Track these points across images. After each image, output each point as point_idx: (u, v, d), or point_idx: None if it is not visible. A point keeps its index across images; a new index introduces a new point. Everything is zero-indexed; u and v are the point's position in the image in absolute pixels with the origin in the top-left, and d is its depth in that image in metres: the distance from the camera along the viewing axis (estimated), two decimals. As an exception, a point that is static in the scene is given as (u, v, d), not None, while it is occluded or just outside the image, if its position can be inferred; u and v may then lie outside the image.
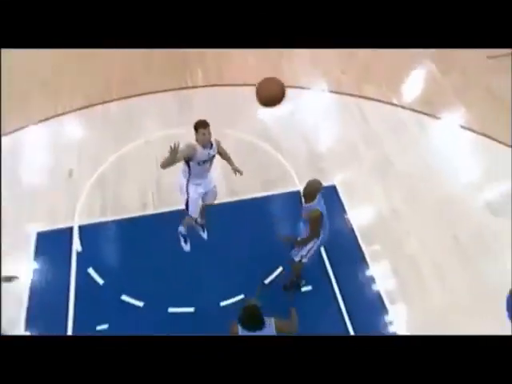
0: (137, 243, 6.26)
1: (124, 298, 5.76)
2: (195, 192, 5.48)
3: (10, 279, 5.01)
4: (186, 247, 5.98)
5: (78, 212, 6.63)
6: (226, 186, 6.78)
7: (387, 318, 5.65)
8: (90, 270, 5.98)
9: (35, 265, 6.13)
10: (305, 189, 5.00)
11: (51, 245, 6.32)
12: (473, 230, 6.41)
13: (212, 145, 5.26)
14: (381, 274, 6.02)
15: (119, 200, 6.83)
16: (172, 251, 5.50)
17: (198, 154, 5.13)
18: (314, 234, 5.08)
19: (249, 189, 6.87)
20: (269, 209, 6.72)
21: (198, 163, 5.20)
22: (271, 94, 4.69)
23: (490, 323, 5.38)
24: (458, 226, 6.43)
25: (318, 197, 4.95)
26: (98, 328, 5.51)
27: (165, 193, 6.75)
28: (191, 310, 5.68)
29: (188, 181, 5.39)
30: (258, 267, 6.04)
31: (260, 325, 4.11)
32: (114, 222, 6.56)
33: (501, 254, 6.09)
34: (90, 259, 6.12)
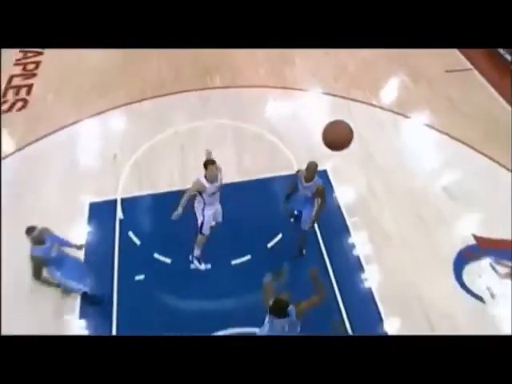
0: (165, 213, 6.17)
1: (156, 255, 5.96)
2: (208, 215, 5.46)
3: (81, 247, 5.31)
4: (202, 267, 5.92)
5: (121, 188, 6.81)
6: (236, 168, 7.00)
7: (364, 275, 5.87)
8: (130, 234, 6.19)
9: (88, 228, 6.34)
10: (307, 169, 5.15)
11: (100, 213, 6.48)
12: (433, 209, 6.60)
13: (218, 178, 5.22)
14: (360, 241, 6.22)
15: (152, 178, 6.97)
16: (193, 220, 5.51)
17: (207, 189, 5.14)
18: (323, 202, 5.34)
19: (256, 171, 7.04)
20: (272, 187, 6.81)
21: (209, 195, 5.23)
22: (338, 140, 4.04)
23: (442, 277, 5.74)
24: (421, 206, 6.61)
25: (316, 176, 5.20)
26: (137, 278, 5.72)
27: (188, 173, 6.86)
28: (209, 266, 5.89)
29: (204, 207, 5.38)
30: (262, 234, 6.19)
31: (285, 315, 4.04)
32: (148, 195, 6.71)
33: (453, 228, 6.34)
34: (130, 225, 6.31)
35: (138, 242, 6.13)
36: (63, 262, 4.91)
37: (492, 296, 5.61)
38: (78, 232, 6.14)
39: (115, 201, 6.62)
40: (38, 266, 4.70)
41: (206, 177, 5.09)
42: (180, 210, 4.98)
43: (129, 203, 6.61)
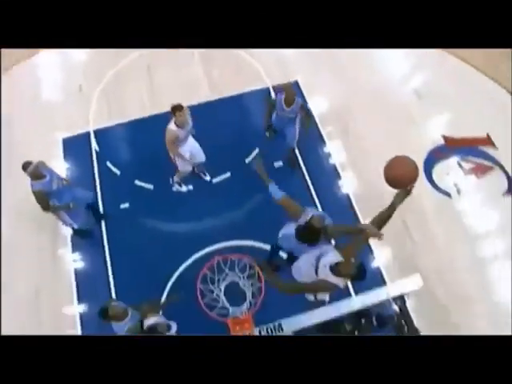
0: (141, 140, 6.36)
1: (137, 182, 6.05)
2: (183, 151, 5.38)
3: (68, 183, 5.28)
4: (184, 189, 6.01)
5: (92, 119, 6.64)
6: (207, 86, 6.84)
7: (340, 182, 6.11)
8: (108, 164, 6.20)
9: (66, 164, 6.30)
10: (285, 93, 5.12)
11: (75, 148, 6.40)
12: (403, 111, 6.64)
13: (188, 121, 5.08)
14: (335, 150, 6.35)
15: (122, 106, 6.80)
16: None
17: (180, 136, 5.04)
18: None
19: (226, 87, 6.87)
20: (243, 103, 6.73)
21: (181, 141, 5.15)
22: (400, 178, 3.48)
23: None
24: (392, 109, 6.63)
25: (295, 97, 5.16)
26: (122, 206, 5.86)
27: (157, 95, 6.72)
28: (190, 187, 6.04)
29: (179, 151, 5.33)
30: (239, 150, 6.27)
31: (316, 242, 3.74)
32: (120, 124, 6.60)
33: (423, 129, 6.47)
34: (107, 156, 6.29)
35: (117, 171, 6.17)
36: (63, 195, 4.97)
37: (458, 191, 5.97)
38: (55, 169, 6.06)
39: (88, 133, 6.51)
40: (42, 199, 4.73)
41: (175, 123, 4.97)
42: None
43: (102, 134, 6.52)
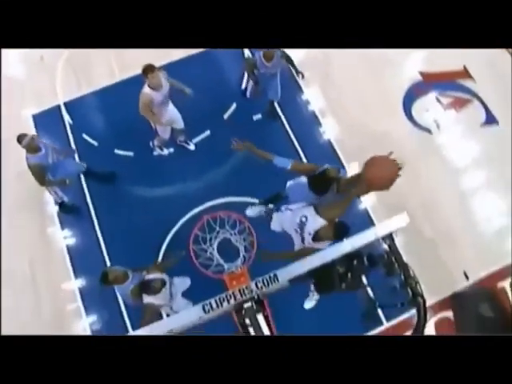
0: (114, 107, 6.16)
1: (117, 151, 5.94)
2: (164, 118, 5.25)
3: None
4: (165, 152, 5.90)
5: (59, 92, 6.38)
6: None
7: (321, 128, 6.10)
8: (85, 136, 6.03)
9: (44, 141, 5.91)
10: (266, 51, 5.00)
11: (47, 123, 6.17)
12: (378, 49, 6.50)
13: (163, 85, 4.81)
14: (313, 97, 6.29)
15: (89, 74, 6.52)
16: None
17: (154, 99, 4.76)
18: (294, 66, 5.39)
19: None
20: (215, 59, 6.52)
21: (158, 106, 4.92)
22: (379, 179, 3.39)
23: (394, 115, 6.05)
24: (366, 49, 6.50)
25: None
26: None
27: (126, 60, 6.40)
28: (171, 150, 5.95)
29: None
30: (216, 107, 6.14)
31: (326, 191, 3.70)
32: (91, 93, 6.35)
33: (399, 64, 6.43)
34: (81, 128, 6.10)
35: (94, 142, 6.02)
36: (57, 169, 4.91)
37: (438, 126, 6.01)
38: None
39: (58, 107, 6.27)
40: (39, 173, 4.67)
41: (149, 86, 4.73)
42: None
43: (73, 106, 6.29)
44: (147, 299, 4.01)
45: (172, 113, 5.34)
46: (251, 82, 5.71)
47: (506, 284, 5.06)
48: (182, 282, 4.69)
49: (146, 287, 4.00)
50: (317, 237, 3.55)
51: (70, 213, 5.66)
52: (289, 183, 4.43)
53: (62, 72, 6.56)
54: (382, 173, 3.30)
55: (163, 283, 4.09)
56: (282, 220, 4.17)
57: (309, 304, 4.58)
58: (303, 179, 3.98)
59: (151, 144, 5.85)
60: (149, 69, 4.59)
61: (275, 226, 4.33)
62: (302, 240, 3.74)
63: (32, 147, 4.57)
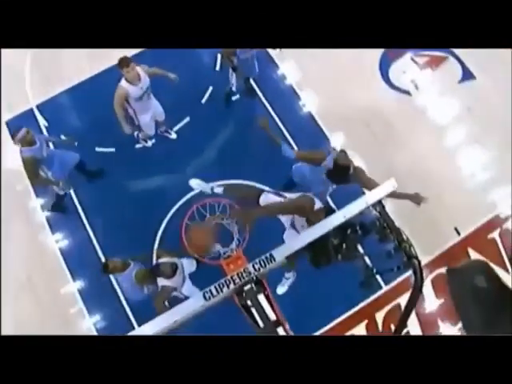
0: (89, 104, 6.03)
1: (98, 149, 5.85)
2: (145, 122, 5.19)
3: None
4: (148, 143, 5.80)
5: (30, 94, 6.18)
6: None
7: (300, 102, 6.07)
8: (63, 137, 5.84)
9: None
10: None
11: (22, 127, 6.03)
12: None
13: (141, 78, 4.66)
14: (289, 71, 6.22)
15: (59, 72, 6.33)
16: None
17: (130, 93, 4.61)
18: None
19: None
20: None
21: (136, 100, 4.76)
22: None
23: (371, 81, 6.04)
24: None
25: None
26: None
27: (96, 53, 6.07)
28: (153, 141, 5.85)
29: (135, 115, 5.04)
30: (193, 92, 6.05)
31: (347, 181, 3.93)
32: (63, 92, 6.18)
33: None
34: (58, 129, 5.95)
35: (75, 142, 5.72)
36: (53, 161, 4.89)
37: (416, 87, 6.01)
38: (7, 155, 5.66)
39: (31, 110, 6.11)
40: (32, 167, 4.65)
41: (126, 79, 4.60)
42: (126, 127, 4.79)
43: (47, 107, 6.13)
44: (162, 282, 4.14)
45: (155, 107, 5.24)
46: (234, 79, 5.62)
47: (495, 235, 5.19)
48: (190, 265, 4.79)
49: (159, 271, 4.13)
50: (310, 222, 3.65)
51: (60, 210, 5.56)
52: (293, 167, 4.56)
53: (30, 72, 6.35)
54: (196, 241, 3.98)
55: (176, 266, 4.21)
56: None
57: (281, 289, 4.65)
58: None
59: (135, 135, 5.71)
60: (124, 62, 4.47)
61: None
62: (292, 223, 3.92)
63: (27, 140, 4.54)
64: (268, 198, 4.12)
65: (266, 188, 4.80)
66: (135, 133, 5.68)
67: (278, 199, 4.00)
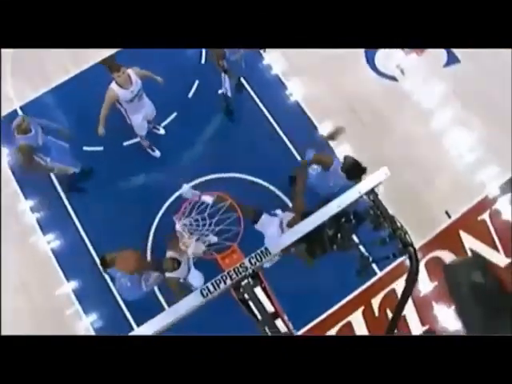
0: (74, 103, 5.92)
1: (86, 148, 5.75)
2: (137, 123, 5.12)
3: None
4: (156, 153, 5.71)
5: (14, 95, 6.02)
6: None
7: (287, 91, 6.02)
8: (50, 138, 5.53)
9: (5, 150, 5.80)
10: None
11: (7, 130, 5.42)
12: None
13: (132, 81, 4.60)
14: (274, 61, 6.15)
15: (42, 72, 6.16)
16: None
17: (120, 96, 4.55)
18: None
19: None
20: None
21: (127, 102, 4.69)
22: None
23: (358, 68, 6.01)
24: None
25: None
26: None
27: (79, 51, 5.88)
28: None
29: (127, 115, 4.98)
30: (179, 86, 5.96)
31: (359, 177, 4.01)
32: (47, 92, 6.03)
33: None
34: (44, 130, 5.56)
35: (65, 144, 5.54)
36: (50, 149, 4.90)
37: (402, 72, 6.00)
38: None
39: (15, 111, 5.93)
40: (27, 154, 4.66)
41: (116, 83, 4.55)
42: (101, 128, 4.68)
43: (31, 108, 5.96)
44: (168, 274, 4.30)
45: (147, 106, 5.17)
46: (227, 82, 5.47)
47: (485, 216, 5.24)
48: (198, 248, 4.78)
49: (162, 267, 4.28)
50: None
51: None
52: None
53: (12, 72, 6.18)
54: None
55: (178, 260, 4.29)
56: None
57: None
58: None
59: (142, 144, 5.61)
60: (113, 68, 4.43)
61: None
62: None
63: (22, 128, 4.55)
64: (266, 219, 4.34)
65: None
66: (140, 141, 5.63)
67: (275, 220, 4.23)
